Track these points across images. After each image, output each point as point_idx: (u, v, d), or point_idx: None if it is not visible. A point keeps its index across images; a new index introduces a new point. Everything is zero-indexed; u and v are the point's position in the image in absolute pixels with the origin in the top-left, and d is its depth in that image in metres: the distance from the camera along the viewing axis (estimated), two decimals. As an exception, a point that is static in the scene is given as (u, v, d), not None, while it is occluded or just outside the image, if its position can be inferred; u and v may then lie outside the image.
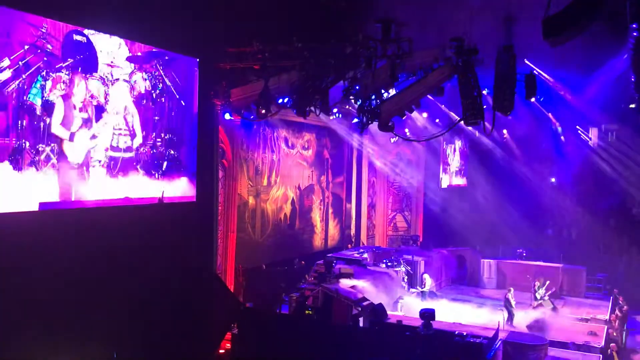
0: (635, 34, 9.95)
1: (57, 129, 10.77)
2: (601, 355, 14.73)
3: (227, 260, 17.87)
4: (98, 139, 11.66)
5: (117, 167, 12.10)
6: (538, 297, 18.93)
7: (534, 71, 14.58)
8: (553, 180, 24.45)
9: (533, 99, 13.54)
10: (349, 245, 24.38)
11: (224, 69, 15.11)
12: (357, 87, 14.08)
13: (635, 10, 8.60)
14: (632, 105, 17.14)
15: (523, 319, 17.41)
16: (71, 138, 11.05)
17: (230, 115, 16.68)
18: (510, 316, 17.32)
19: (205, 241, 15.52)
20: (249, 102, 16.02)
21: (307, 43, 13.93)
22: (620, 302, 18.62)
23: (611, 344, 15.07)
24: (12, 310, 9.78)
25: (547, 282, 19.16)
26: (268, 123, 19.96)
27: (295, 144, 22.21)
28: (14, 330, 9.80)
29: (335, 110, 18.29)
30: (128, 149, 12.38)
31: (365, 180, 25.69)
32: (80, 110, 11.22)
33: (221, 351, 15.01)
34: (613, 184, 22.44)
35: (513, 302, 17.76)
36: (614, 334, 16.70)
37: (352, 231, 25.39)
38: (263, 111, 15.44)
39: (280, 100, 15.60)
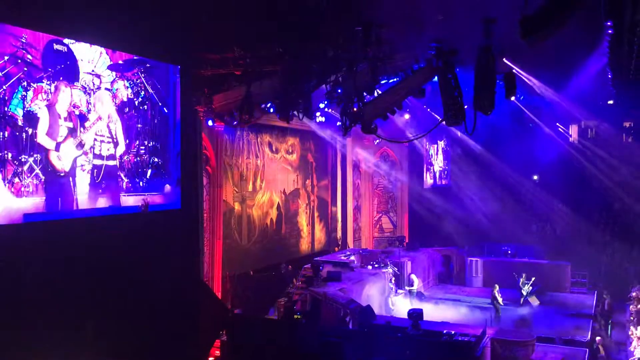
0: (610, 31, 10.14)
1: (42, 138, 10.69)
2: (587, 349, 14.92)
3: (214, 267, 17.81)
4: (84, 148, 11.61)
5: (100, 175, 12.04)
6: (524, 293, 19.13)
7: (513, 70, 14.74)
8: (535, 177, 24.72)
9: (513, 98, 13.69)
10: (336, 249, 24.43)
11: (206, 75, 15.09)
12: (340, 91, 14.13)
13: (609, 7, 8.77)
14: (611, 102, 17.42)
15: (510, 315, 17.57)
16: (57, 148, 10.98)
17: (213, 122, 16.66)
18: (498, 313, 17.48)
19: (191, 249, 15.44)
20: (232, 108, 16.03)
21: (288, 47, 13.96)
22: (604, 296, 18.89)
23: (597, 338, 15.28)
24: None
25: (533, 279, 19.35)
26: (251, 128, 19.97)
27: (279, 148, 22.23)
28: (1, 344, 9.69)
29: (318, 114, 18.35)
30: (111, 156, 12.31)
31: (350, 183, 25.77)
32: (65, 119, 11.16)
33: (210, 358, 14.95)
34: (594, 179, 22.76)
35: (500, 299, 17.94)
36: (600, 327, 16.93)
37: (339, 234, 25.45)
38: (246, 116, 15.46)
39: (263, 105, 15.62)
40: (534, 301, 19.02)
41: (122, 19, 11.84)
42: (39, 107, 10.61)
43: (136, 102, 12.99)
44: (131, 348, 11.90)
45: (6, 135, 10.05)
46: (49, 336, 10.31)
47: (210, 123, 16.53)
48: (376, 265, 19.79)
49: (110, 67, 12.28)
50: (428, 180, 25.07)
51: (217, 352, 14.95)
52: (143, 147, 13.17)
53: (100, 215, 12.07)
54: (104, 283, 11.60)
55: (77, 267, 11.06)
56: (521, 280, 19.30)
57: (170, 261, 13.64)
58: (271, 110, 15.65)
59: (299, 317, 15.85)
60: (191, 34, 13.78)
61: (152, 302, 12.70)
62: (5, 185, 10.00)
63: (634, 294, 17.76)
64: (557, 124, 21.75)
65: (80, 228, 11.49)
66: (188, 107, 14.90)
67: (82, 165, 11.59)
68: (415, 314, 13.52)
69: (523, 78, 16.83)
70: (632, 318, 16.70)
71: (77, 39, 11.44)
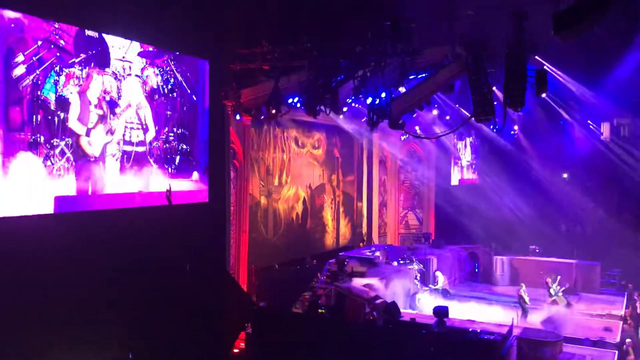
0: (646, 27, 9.90)
1: (73, 124, 10.96)
2: (617, 351, 14.63)
3: (239, 260, 17.95)
4: (114, 135, 11.83)
5: (130, 160, 12.24)
6: (552, 293, 18.82)
7: (545, 67, 14.50)
8: (565, 175, 24.30)
9: (544, 95, 13.47)
10: (361, 244, 24.36)
11: (234, 70, 15.17)
12: (367, 86, 14.06)
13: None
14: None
15: (537, 315, 17.33)
16: (87, 133, 11.21)
17: (241, 116, 16.75)
18: (524, 312, 17.25)
19: (218, 241, 15.58)
20: (259, 103, 16.06)
21: (317, 42, 13.94)
22: (635, 297, 18.49)
23: (627, 340, 14.96)
24: (26, 310, 9.82)
25: (559, 278, 19.04)
26: (278, 123, 20.01)
27: (305, 143, 22.26)
28: (30, 331, 9.86)
29: (345, 109, 18.29)
30: (141, 142, 12.52)
31: (376, 179, 25.68)
32: (96, 106, 11.38)
33: (235, 351, 15.07)
34: (626, 178, 22.28)
35: (526, 298, 17.70)
36: (630, 329, 16.59)
37: (364, 230, 25.39)
38: (273, 111, 15.49)
39: (290, 100, 15.64)
40: (562, 301, 18.70)
41: (152, 12, 11.98)
42: (71, 92, 10.86)
43: (165, 90, 13.18)
44: (157, 338, 12.07)
45: (39, 119, 10.31)
46: (75, 325, 10.46)
47: (238, 117, 16.61)
48: (401, 262, 19.68)
49: (140, 54, 12.46)
50: (455, 176, 24.83)
51: (242, 344, 15.07)
52: (172, 134, 13.35)
53: (129, 201, 12.24)
54: (130, 272, 11.76)
55: (104, 254, 11.24)
56: (549, 279, 19.01)
57: (197, 253, 13.78)
58: (298, 105, 15.65)
59: (323, 311, 15.86)
60: (221, 29, 13.87)
61: (178, 293, 12.85)
62: (37, 167, 10.24)
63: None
64: (589, 121, 21.32)
65: (109, 216, 11.68)
66: (216, 101, 15.02)
67: (112, 151, 11.78)
68: (441, 312, 13.42)
69: (554, 74, 16.55)
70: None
71: (108, 33, 11.62)
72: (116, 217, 11.83)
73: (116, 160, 11.94)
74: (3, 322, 9.52)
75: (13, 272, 9.65)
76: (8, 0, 9.64)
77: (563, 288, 18.97)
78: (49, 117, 10.52)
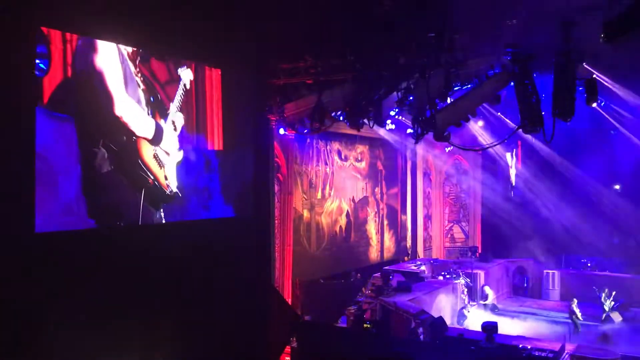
0: None
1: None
2: (677, 371, 14.01)
3: (284, 273, 17.98)
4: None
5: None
6: (606, 309, 18.19)
7: (594, 75, 14.10)
8: (617, 187, 23.50)
9: (594, 104, 13.09)
10: (406, 258, 24.12)
11: (278, 84, 15.32)
12: (411, 98, 13.97)
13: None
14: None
15: (590, 331, 16.78)
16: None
17: (285, 130, 16.89)
18: (577, 329, 16.73)
19: (263, 254, 15.68)
20: (303, 116, 16.18)
21: (360, 55, 13.94)
22: (695, 313, 17.71)
23: (687, 358, 14.32)
24: (72, 323, 9.97)
25: (614, 293, 18.39)
26: (321, 136, 20.07)
27: (348, 156, 22.25)
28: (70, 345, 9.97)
29: (388, 121, 18.21)
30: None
31: (420, 191, 25.40)
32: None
33: (281, 364, 15.09)
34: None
35: (579, 314, 17.17)
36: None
37: (408, 243, 25.12)
38: (317, 125, 15.56)
39: (334, 113, 15.67)
40: (617, 317, 18.03)
41: (197, 31, 12.20)
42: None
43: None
44: (202, 351, 12.17)
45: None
46: (117, 339, 10.55)
47: (282, 131, 16.76)
48: (448, 276, 19.40)
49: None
50: (502, 189, 24.33)
51: (287, 358, 15.06)
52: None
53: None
54: (179, 286, 11.91)
55: (152, 269, 11.39)
56: (603, 294, 18.36)
57: (242, 266, 13.90)
58: (341, 118, 15.67)
59: (368, 326, 15.73)
60: (263, 44, 14.03)
61: (223, 306, 12.96)
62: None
63: None
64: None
65: (156, 231, 11.88)
66: (261, 115, 15.20)
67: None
68: (490, 327, 13.12)
69: (604, 83, 16.07)
70: None
71: (152, 52, 11.88)
72: (162, 230, 12.03)
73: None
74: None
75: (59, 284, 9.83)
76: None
77: (618, 304, 18.29)
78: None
